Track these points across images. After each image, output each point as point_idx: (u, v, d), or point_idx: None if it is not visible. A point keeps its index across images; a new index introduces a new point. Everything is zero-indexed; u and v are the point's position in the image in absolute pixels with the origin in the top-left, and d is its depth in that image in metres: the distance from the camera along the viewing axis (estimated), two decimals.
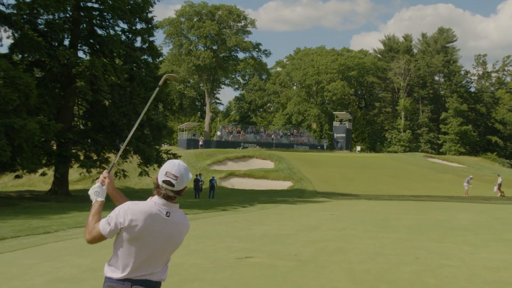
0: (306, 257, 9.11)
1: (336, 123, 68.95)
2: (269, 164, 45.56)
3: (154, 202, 2.59)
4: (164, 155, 30.34)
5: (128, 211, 2.54)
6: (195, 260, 8.56)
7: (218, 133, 63.85)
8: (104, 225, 2.49)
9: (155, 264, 2.58)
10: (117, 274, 2.50)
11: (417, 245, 10.69)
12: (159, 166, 29.58)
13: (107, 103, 27.70)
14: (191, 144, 58.29)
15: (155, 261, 2.57)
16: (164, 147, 49.64)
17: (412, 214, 18.74)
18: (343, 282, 7.17)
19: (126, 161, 30.72)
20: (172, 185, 2.58)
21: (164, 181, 2.57)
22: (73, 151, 26.23)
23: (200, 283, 6.84)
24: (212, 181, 29.65)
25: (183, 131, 63.62)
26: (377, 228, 14.14)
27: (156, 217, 2.55)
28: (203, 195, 30.13)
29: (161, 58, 30.59)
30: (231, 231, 13.11)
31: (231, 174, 40.91)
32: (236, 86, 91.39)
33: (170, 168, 2.58)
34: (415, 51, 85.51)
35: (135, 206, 2.57)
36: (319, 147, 65.56)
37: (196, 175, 31.11)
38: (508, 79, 79.53)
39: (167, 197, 2.58)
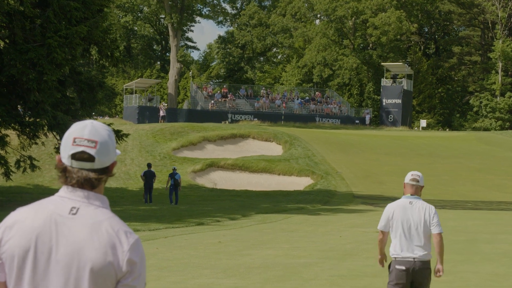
0: None
1: (386, 82, 69.02)
2: (274, 149, 45.76)
3: (56, 196, 2.51)
4: None
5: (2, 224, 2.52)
6: None
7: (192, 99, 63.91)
8: None
9: None
10: None
11: None
12: None
13: (1, 44, 27.51)
14: (146, 115, 58.35)
15: None
16: (101, 119, 49.61)
17: None
18: None
19: (36, 143, 30.68)
20: (89, 158, 2.47)
21: (73, 155, 2.47)
22: None
23: None
24: (174, 176, 29.66)
25: (132, 93, 63.56)
26: (455, 256, 14.18)
27: (48, 222, 2.43)
28: (160, 199, 30.29)
29: None
30: (212, 258, 13.23)
31: (212, 165, 41.05)
32: (221, 18, 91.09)
33: (79, 132, 2.50)
34: None
35: (15, 213, 2.56)
36: (357, 122, 65.75)
37: (149, 166, 31.30)
38: None
39: (82, 184, 2.47)
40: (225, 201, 29.75)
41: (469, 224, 21.91)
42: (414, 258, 6.74)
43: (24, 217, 2.50)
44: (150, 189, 30.29)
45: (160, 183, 34.08)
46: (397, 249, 6.80)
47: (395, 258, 6.83)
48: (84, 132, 2.47)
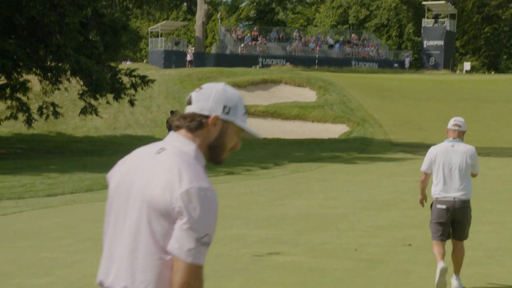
0: (374, 255, 9.23)
1: (427, 22, 67.89)
2: (308, 95, 45.57)
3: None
4: (126, 79, 30.37)
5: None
6: None
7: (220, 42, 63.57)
8: None
9: (117, 255, 2.74)
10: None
11: None
12: (117, 97, 29.85)
13: None
14: (172, 59, 58.25)
15: (113, 248, 2.79)
16: (125, 64, 49.73)
17: None
18: None
19: (59, 89, 30.92)
20: (189, 101, 2.82)
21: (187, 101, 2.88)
22: None
23: None
24: None
25: (157, 36, 63.45)
26: (501, 206, 14.14)
27: (138, 158, 2.79)
28: None
29: None
30: (243, 209, 13.33)
31: None
32: None
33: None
34: None
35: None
36: (396, 65, 64.98)
37: (172, 113, 31.41)
38: None
39: (176, 127, 2.81)
40: (256, 150, 29.78)
41: None
42: (454, 198, 7.39)
43: (130, 155, 2.87)
44: None
45: None
46: (438, 190, 7.47)
47: (436, 198, 7.50)
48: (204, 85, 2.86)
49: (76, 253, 9.11)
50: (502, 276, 8.09)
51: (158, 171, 2.65)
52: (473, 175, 7.64)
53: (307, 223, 11.85)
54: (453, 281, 7.32)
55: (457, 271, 7.36)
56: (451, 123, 7.64)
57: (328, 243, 9.95)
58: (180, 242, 2.57)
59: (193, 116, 2.76)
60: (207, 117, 2.74)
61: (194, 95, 2.79)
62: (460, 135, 7.60)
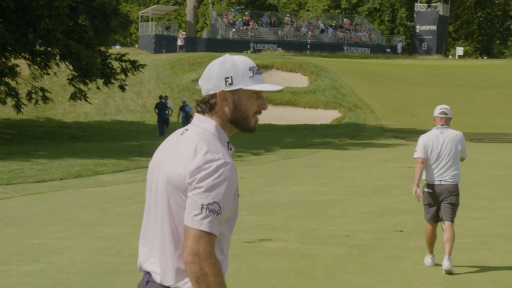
0: (366, 241, 9.25)
1: (420, 7, 67.84)
2: (299, 80, 45.57)
3: None
4: (116, 63, 30.23)
5: None
6: None
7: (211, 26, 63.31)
8: None
9: (149, 236, 2.84)
10: None
11: None
12: (107, 82, 29.73)
13: None
14: (163, 44, 58.09)
15: (150, 228, 2.85)
16: (116, 49, 49.48)
17: None
18: (434, 285, 7.28)
19: (48, 74, 30.73)
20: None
21: None
22: None
23: None
24: (184, 108, 30.03)
25: (148, 21, 63.17)
26: (492, 192, 14.18)
27: (168, 141, 2.91)
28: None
29: None
30: None
31: None
32: None
33: None
34: None
35: None
36: (388, 50, 64.99)
37: (160, 98, 31.40)
38: None
39: (197, 110, 2.91)
40: (247, 136, 29.60)
41: (507, 158, 21.73)
42: (444, 182, 7.77)
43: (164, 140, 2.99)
44: (165, 122, 30.51)
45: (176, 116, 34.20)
46: (429, 174, 7.85)
47: (427, 182, 7.89)
48: None
49: (66, 239, 9.07)
50: (494, 262, 8.12)
51: (178, 150, 2.77)
52: (462, 159, 8.00)
53: (299, 209, 11.86)
54: (444, 262, 7.47)
55: (448, 252, 7.52)
56: (437, 111, 7.99)
57: (319, 229, 9.95)
58: (188, 209, 2.65)
59: (204, 100, 2.84)
60: (215, 95, 2.81)
61: (200, 81, 2.88)
62: (447, 121, 7.96)
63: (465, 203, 12.36)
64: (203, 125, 2.83)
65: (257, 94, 2.84)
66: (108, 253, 8.28)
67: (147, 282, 2.76)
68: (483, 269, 7.79)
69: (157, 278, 2.73)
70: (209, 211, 2.61)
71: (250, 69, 2.83)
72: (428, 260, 7.82)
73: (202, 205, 2.61)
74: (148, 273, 2.77)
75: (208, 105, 2.83)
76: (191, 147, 2.73)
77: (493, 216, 11.25)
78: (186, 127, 2.89)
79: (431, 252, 7.83)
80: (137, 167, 18.09)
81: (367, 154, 23.14)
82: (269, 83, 2.85)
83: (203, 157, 2.68)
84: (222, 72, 2.81)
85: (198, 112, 2.87)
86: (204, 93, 2.86)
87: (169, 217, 2.74)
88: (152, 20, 62.84)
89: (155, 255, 2.78)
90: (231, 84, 2.79)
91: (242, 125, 2.87)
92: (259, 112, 2.90)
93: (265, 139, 28.24)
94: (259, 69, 2.91)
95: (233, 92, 2.80)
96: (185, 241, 2.63)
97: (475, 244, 9.07)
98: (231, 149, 2.88)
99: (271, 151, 23.79)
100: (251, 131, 2.91)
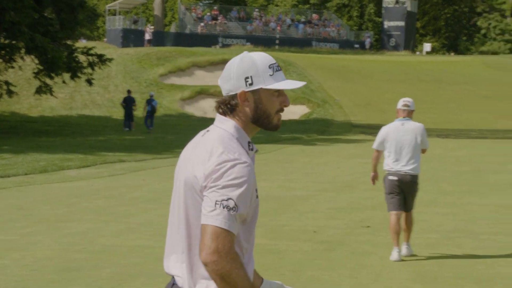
0: (334, 237, 9.29)
1: (388, 2, 68.22)
2: None
3: None
4: (82, 57, 29.98)
5: None
6: (140, 241, 8.70)
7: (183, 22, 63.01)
8: None
9: (171, 237, 2.83)
10: None
11: None
12: (73, 76, 29.49)
13: None
14: (130, 38, 57.70)
15: (171, 229, 2.84)
16: (82, 42, 49.03)
17: None
18: (401, 280, 7.32)
19: (13, 67, 30.40)
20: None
21: None
22: None
23: (148, 279, 6.96)
24: (151, 102, 30.23)
25: (115, 14, 62.69)
26: (459, 187, 14.30)
27: (192, 142, 2.89)
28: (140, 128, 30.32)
29: None
30: None
31: (202, 93, 40.99)
32: None
33: None
34: None
35: None
36: (356, 46, 65.27)
37: (128, 92, 31.50)
38: None
39: (217, 111, 2.88)
40: None
41: (474, 154, 22.00)
42: (405, 172, 8.06)
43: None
44: (130, 116, 30.57)
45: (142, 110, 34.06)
46: (390, 164, 8.14)
47: (388, 171, 8.17)
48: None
49: (30, 235, 8.97)
50: (460, 257, 8.19)
51: (196, 152, 2.76)
52: (423, 151, 8.27)
53: (267, 204, 11.83)
54: (403, 248, 7.98)
55: (406, 239, 8.00)
56: (400, 104, 8.26)
57: (287, 225, 9.97)
58: (203, 206, 2.61)
59: (224, 101, 2.80)
60: (235, 96, 2.77)
61: (219, 81, 2.84)
62: (410, 114, 8.21)
63: (432, 198, 12.54)
64: (222, 125, 2.79)
65: (279, 91, 2.80)
66: (73, 249, 8.20)
67: (173, 284, 2.75)
68: (449, 264, 7.86)
69: (179, 281, 2.72)
70: (223, 207, 2.56)
71: (269, 66, 2.78)
72: (394, 255, 7.89)
73: (216, 201, 2.57)
74: (173, 276, 2.77)
75: (229, 106, 2.79)
76: (207, 149, 2.71)
77: (460, 211, 11.36)
78: (208, 128, 2.85)
79: (397, 245, 7.91)
80: (103, 162, 17.97)
81: (335, 150, 23.24)
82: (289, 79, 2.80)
83: (218, 158, 2.65)
84: (241, 71, 2.78)
85: (220, 113, 2.83)
86: (224, 93, 2.81)
87: (185, 219, 2.73)
88: (119, 14, 62.35)
89: (177, 258, 2.76)
90: (251, 84, 2.75)
91: (264, 124, 2.83)
92: (282, 110, 2.84)
93: None
94: (279, 65, 2.85)
95: (253, 92, 2.76)
96: (202, 239, 2.57)
97: (441, 239, 9.15)
98: (252, 149, 2.82)
99: None
100: (274, 129, 2.87)
